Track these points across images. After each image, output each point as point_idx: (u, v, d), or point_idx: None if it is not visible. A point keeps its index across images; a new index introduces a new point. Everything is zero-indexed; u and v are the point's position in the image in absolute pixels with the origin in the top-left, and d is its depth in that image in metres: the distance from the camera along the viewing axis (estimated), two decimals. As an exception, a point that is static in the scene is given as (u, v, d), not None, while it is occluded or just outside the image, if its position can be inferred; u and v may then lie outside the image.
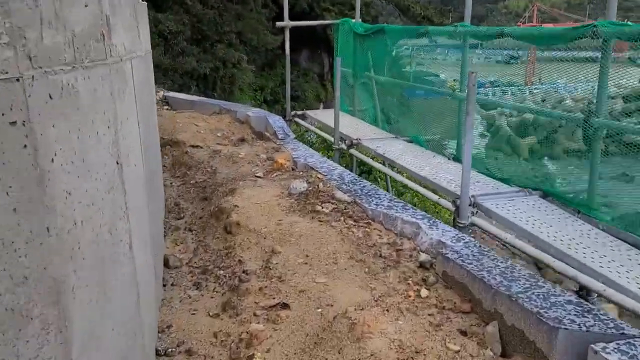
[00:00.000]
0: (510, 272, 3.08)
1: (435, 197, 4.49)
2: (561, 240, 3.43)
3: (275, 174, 5.07)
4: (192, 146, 6.19)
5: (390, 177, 5.76)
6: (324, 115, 7.77)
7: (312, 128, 7.57)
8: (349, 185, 4.69)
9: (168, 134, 6.85)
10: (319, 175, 4.92)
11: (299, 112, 8.14)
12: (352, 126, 6.99)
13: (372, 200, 4.29)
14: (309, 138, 11.73)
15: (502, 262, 3.21)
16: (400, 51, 6.81)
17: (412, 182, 4.89)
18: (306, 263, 3.35)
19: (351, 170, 8.58)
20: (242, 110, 7.52)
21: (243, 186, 4.67)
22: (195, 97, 8.74)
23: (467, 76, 5.10)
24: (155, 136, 4.09)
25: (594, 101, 3.88)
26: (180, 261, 3.78)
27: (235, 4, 24.37)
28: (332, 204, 4.21)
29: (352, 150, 6.04)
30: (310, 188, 4.54)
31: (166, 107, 8.84)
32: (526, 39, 4.33)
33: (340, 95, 7.97)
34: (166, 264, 3.71)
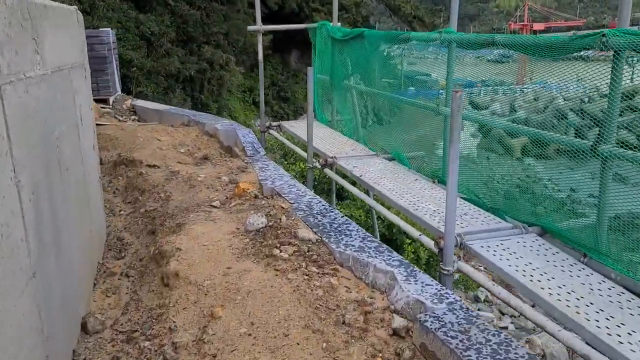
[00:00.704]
0: (505, 352, 2.39)
1: (416, 234, 3.78)
2: (566, 300, 2.74)
3: (234, 203, 4.36)
4: (149, 166, 5.47)
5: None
6: (301, 127, 7.06)
7: (287, 142, 6.85)
8: (317, 218, 3.98)
9: (126, 151, 6.12)
10: (283, 205, 4.21)
11: (274, 123, 7.44)
12: (329, 140, 6.27)
13: (342, 239, 3.59)
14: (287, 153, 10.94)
15: (495, 334, 2.52)
16: (392, 50, 6.09)
17: (391, 214, 4.16)
18: (250, 334, 2.64)
19: (329, 194, 7.81)
20: (211, 122, 6.80)
21: (194, 220, 3.96)
22: (163, 107, 8.02)
23: (451, 92, 4.41)
24: (79, 170, 3.39)
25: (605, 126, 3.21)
26: (103, 324, 3.06)
27: (221, 4, 23.59)
28: (294, 245, 3.50)
29: (328, 171, 5.34)
30: (270, 223, 3.82)
31: (133, 116, 8.11)
32: (519, 49, 3.65)
33: (319, 105, 7.26)
34: (84, 328, 3.00)
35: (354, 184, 5.46)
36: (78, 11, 3.91)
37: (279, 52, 28.62)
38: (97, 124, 7.13)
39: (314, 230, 3.75)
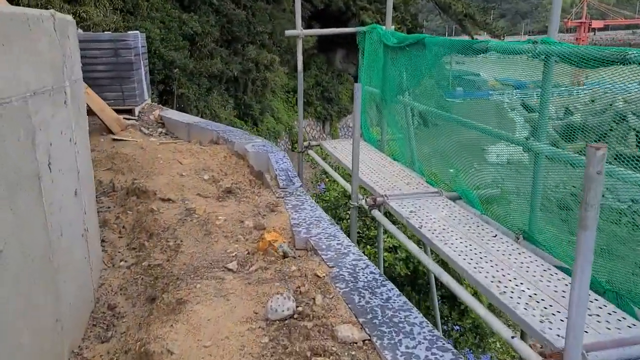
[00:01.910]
0: None
1: (507, 334, 2.58)
2: None
3: (256, 266, 3.29)
4: (163, 200, 4.48)
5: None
6: (344, 148, 5.95)
7: (327, 169, 5.74)
8: (364, 296, 2.87)
9: (142, 175, 5.15)
10: (319, 271, 3.11)
11: (314, 143, 6.33)
12: (377, 169, 5.12)
13: (400, 342, 2.46)
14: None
15: None
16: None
17: (467, 294, 2.95)
18: None
19: (375, 240, 6.57)
20: (241, 141, 5.76)
21: (200, 294, 2.91)
22: (193, 119, 7.05)
23: (587, 148, 3.20)
24: (36, 241, 2.38)
25: None
26: None
27: (267, 3, 22.66)
28: (331, 355, 2.40)
29: (377, 214, 4.20)
30: (299, 309, 2.74)
31: (161, 129, 7.17)
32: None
33: (365, 122, 6.12)
34: None
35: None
36: (56, 17, 2.92)
37: (324, 52, 27.52)
38: (116, 139, 6.22)
39: (361, 320, 2.64)
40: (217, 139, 6.29)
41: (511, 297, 2.75)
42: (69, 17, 3.44)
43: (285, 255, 3.44)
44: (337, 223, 7.99)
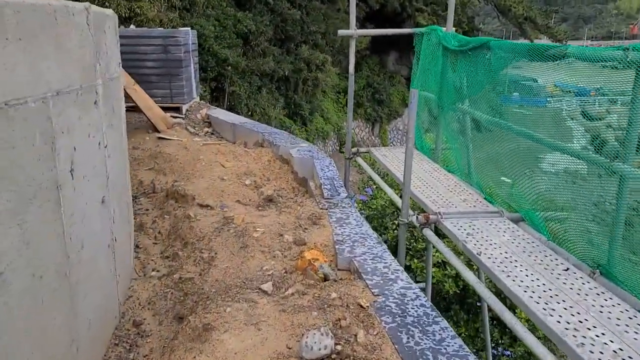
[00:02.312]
0: None
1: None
2: None
3: (292, 289, 2.95)
4: (201, 205, 4.22)
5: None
6: (395, 157, 5.54)
7: (376, 178, 5.32)
8: (413, 335, 2.48)
9: (183, 177, 4.93)
10: (363, 300, 2.74)
11: (363, 150, 5.92)
12: (431, 181, 4.69)
13: (453, 397, 2.08)
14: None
15: None
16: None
17: (538, 345, 2.47)
18: None
19: (422, 261, 6.11)
20: (287, 145, 5.45)
21: (229, 319, 2.60)
22: (239, 119, 6.80)
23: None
24: (51, 259, 2.13)
25: None
26: None
27: (322, 3, 22.39)
28: (371, 409, 2.03)
29: (428, 234, 3.77)
30: (338, 348, 2.38)
31: (207, 128, 6.97)
32: None
33: (418, 129, 5.68)
34: None
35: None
36: (92, 9, 2.67)
37: (376, 53, 27.02)
38: (161, 138, 6.04)
39: (409, 366, 2.26)
40: (262, 141, 6.01)
41: (591, 352, 2.30)
42: (109, 11, 3.21)
43: (325, 278, 3.09)
44: (383, 233, 7.60)
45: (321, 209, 4.20)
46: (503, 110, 4.26)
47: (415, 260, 6.61)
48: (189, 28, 7.37)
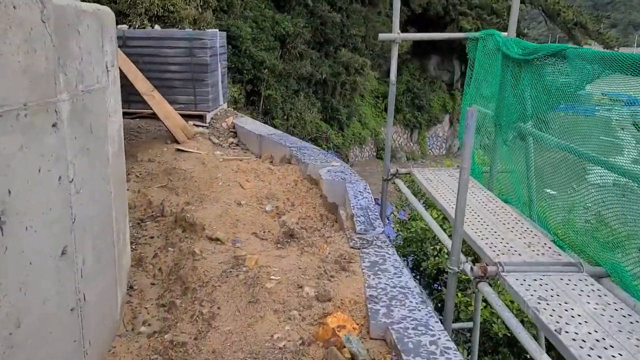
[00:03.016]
0: None
1: None
2: None
3: (308, 376, 2.20)
4: (211, 239, 3.50)
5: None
6: (441, 180, 4.70)
7: (418, 207, 4.45)
8: None
9: (195, 200, 4.24)
10: (403, 403, 1.96)
11: (403, 170, 5.09)
12: (485, 215, 3.85)
13: None
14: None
15: None
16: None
17: None
18: None
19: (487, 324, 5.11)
20: (316, 164, 4.69)
21: None
22: (266, 130, 6.09)
23: None
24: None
25: None
26: None
27: (363, 5, 21.58)
28: None
29: (486, 290, 2.93)
30: None
31: (232, 139, 6.29)
32: None
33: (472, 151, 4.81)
34: None
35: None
36: (53, 2, 1.98)
37: (417, 57, 25.98)
38: (179, 150, 5.38)
39: None
40: (289, 157, 5.27)
41: None
42: (93, 6, 2.53)
43: (353, 358, 2.32)
44: (422, 259, 6.76)
45: (352, 247, 3.42)
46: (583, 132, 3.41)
47: (459, 294, 5.76)
48: (217, 30, 6.71)
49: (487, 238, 3.45)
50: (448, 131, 26.22)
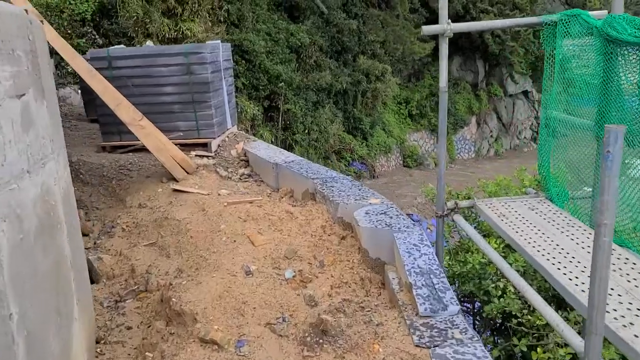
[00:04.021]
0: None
1: None
2: None
3: None
4: (204, 342, 2.31)
5: None
6: (518, 215, 3.41)
7: (494, 257, 3.11)
8: None
9: (190, 267, 3.05)
10: None
11: (463, 203, 3.75)
12: (575, 252, 2.55)
13: None
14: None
15: None
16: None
17: None
18: None
19: None
20: (350, 202, 3.47)
21: None
22: (283, 157, 4.88)
23: None
24: None
25: None
26: None
27: (380, 9, 20.35)
28: None
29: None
30: None
31: (243, 169, 5.11)
32: None
33: (547, 164, 3.52)
34: None
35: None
36: None
37: (439, 59, 24.52)
38: (176, 190, 4.22)
39: None
40: (313, 192, 4.06)
41: None
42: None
43: None
44: (484, 301, 5.42)
45: (418, 345, 2.18)
46: None
47: (538, 349, 4.42)
48: (219, 41, 5.57)
49: (580, 286, 2.15)
50: (476, 133, 24.72)
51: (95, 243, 3.77)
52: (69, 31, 9.83)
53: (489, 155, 24.59)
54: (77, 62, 4.02)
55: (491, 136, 24.97)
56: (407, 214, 12.64)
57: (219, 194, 4.16)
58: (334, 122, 17.91)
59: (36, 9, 9.77)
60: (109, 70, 5.14)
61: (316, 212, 3.68)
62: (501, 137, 25.23)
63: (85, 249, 3.70)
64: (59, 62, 9.32)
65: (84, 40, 9.92)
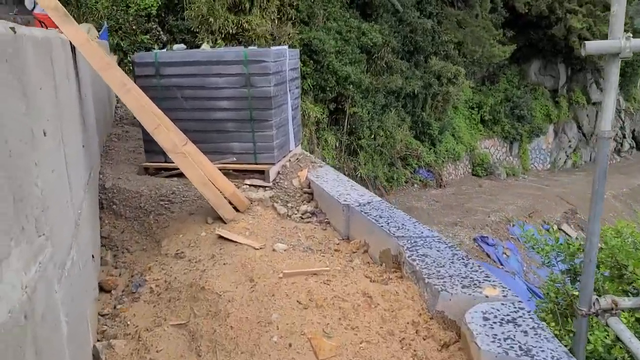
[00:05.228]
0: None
1: None
2: None
3: None
4: None
5: None
6: None
7: None
8: None
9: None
10: None
11: (626, 303, 2.52)
12: None
13: None
14: None
15: None
16: None
17: None
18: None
19: None
20: (456, 294, 2.35)
21: None
22: (357, 195, 3.78)
23: None
24: None
25: None
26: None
27: (457, 8, 18.74)
28: None
29: None
30: None
31: (306, 205, 4.08)
32: None
33: None
34: None
35: None
36: None
37: (515, 63, 22.57)
38: (222, 237, 3.25)
39: None
40: (397, 256, 2.96)
41: None
42: None
43: None
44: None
45: None
46: None
47: None
48: (286, 47, 4.55)
49: None
50: (552, 143, 22.55)
51: (115, 307, 2.86)
52: (134, 27, 9.17)
53: (565, 167, 22.38)
54: (110, 74, 3.11)
55: (569, 146, 22.70)
56: (480, 237, 11.16)
57: (273, 249, 3.14)
58: (402, 126, 16.63)
59: (102, 3, 9.19)
60: (157, 79, 4.25)
61: (404, 294, 2.58)
62: (580, 148, 22.89)
63: (101, 315, 2.79)
64: (122, 59, 8.68)
65: (147, 37, 9.25)
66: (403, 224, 3.26)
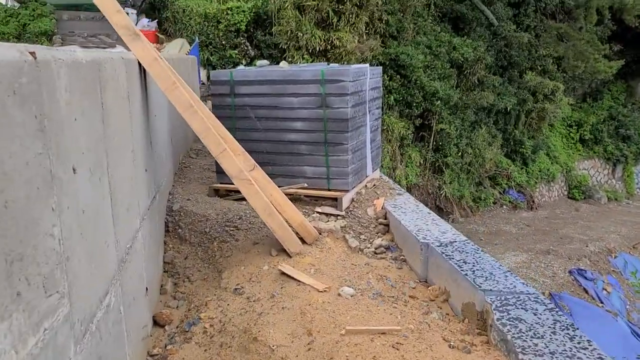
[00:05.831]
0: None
1: None
2: None
3: None
4: None
5: None
6: None
7: None
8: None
9: None
10: None
11: None
12: None
13: None
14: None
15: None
16: None
17: None
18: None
19: None
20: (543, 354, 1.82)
21: None
22: (438, 232, 3.27)
23: None
24: None
25: None
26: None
27: (559, 21, 17.31)
28: None
29: None
30: None
31: (381, 238, 3.65)
32: None
33: None
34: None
35: None
36: None
37: (622, 79, 20.43)
38: (284, 274, 2.92)
39: None
40: (482, 313, 2.44)
41: None
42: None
43: None
44: None
45: None
46: None
47: None
48: (367, 65, 4.16)
49: None
50: (663, 166, 20.10)
51: (165, 347, 2.62)
52: (223, 42, 9.27)
53: (680, 195, 19.80)
54: (177, 95, 2.91)
55: None
56: (577, 269, 9.94)
57: (339, 294, 2.75)
58: (492, 144, 15.56)
59: (195, 19, 9.39)
60: (231, 98, 4.05)
61: (483, 355, 2.07)
62: None
63: (150, 355, 2.55)
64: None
65: (236, 52, 9.30)
66: (492, 273, 2.73)
